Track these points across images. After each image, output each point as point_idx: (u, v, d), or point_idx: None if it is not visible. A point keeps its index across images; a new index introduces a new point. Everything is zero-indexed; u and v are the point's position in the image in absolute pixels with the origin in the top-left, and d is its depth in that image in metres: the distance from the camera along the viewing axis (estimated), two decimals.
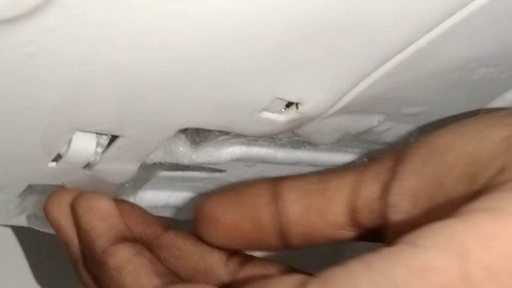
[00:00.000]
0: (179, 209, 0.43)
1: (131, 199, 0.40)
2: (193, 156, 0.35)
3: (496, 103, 0.34)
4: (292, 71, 0.27)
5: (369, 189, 0.28)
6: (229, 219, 0.32)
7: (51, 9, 0.21)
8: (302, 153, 0.38)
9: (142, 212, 0.36)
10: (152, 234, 0.34)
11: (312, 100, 0.29)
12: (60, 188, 0.33)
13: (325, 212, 0.29)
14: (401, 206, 0.27)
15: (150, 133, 0.30)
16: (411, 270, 0.20)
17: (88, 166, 0.32)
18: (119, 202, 0.35)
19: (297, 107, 0.30)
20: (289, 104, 0.30)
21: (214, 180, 0.39)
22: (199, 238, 0.34)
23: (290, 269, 0.32)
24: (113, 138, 0.31)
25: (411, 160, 0.27)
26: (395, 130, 0.35)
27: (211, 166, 0.37)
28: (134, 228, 0.34)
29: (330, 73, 0.28)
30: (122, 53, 0.24)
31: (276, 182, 0.32)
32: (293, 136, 0.34)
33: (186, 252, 0.33)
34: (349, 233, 0.29)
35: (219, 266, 0.32)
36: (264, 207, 0.31)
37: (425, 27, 0.26)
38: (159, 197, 0.41)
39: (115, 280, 0.29)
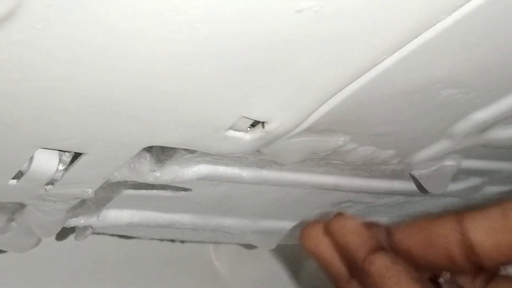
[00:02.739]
0: (142, 228, 0.42)
1: (94, 218, 0.39)
2: (158, 174, 0.34)
3: (462, 124, 0.34)
4: (258, 90, 0.27)
5: None
6: (420, 252, 0.35)
7: (13, 23, 0.21)
8: (268, 172, 0.38)
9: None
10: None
11: (278, 119, 0.29)
12: (309, 224, 0.38)
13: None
14: None
15: (114, 150, 0.30)
16: None
17: (50, 183, 0.32)
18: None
19: (263, 126, 0.30)
20: (255, 123, 0.30)
21: (179, 199, 0.39)
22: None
23: None
24: (76, 155, 0.30)
25: None
26: (360, 151, 0.35)
27: (176, 184, 0.37)
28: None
29: (296, 92, 0.28)
30: (85, 69, 0.23)
31: (459, 214, 0.34)
32: (259, 155, 0.34)
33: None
34: None
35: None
36: (453, 237, 0.33)
37: (390, 49, 0.26)
38: (123, 216, 0.40)
39: (378, 285, 0.33)
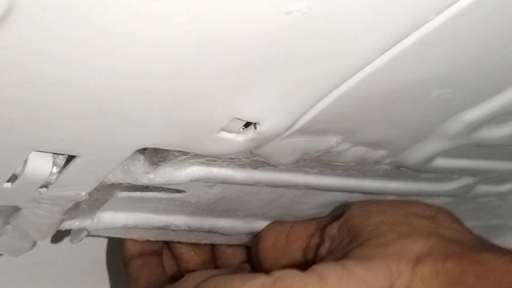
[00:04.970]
0: (137, 230, 0.42)
1: (88, 220, 0.39)
2: (152, 176, 0.34)
3: (453, 124, 0.34)
4: (250, 92, 0.27)
5: (315, 238, 0.41)
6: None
7: (6, 26, 0.21)
8: (261, 173, 0.38)
9: None
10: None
11: (270, 120, 0.29)
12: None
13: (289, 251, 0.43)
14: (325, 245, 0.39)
15: (108, 153, 0.30)
16: None
17: (44, 186, 0.32)
18: None
19: (255, 127, 0.30)
20: (247, 124, 0.30)
21: (174, 200, 0.39)
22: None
23: None
24: (70, 158, 0.30)
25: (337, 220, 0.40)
26: (352, 151, 0.35)
27: (170, 186, 0.37)
28: None
29: (288, 94, 0.28)
30: (76, 72, 0.24)
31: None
32: (252, 156, 0.34)
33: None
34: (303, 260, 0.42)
35: None
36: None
37: (380, 50, 0.26)
38: (118, 218, 0.40)
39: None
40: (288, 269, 0.34)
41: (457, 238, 0.35)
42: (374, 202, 0.39)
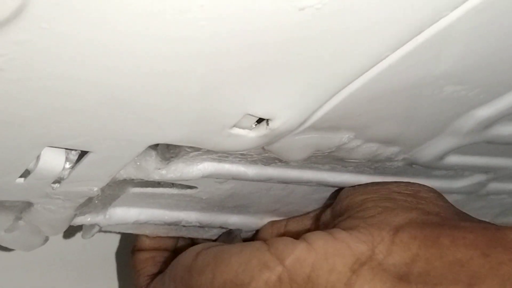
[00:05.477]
0: (148, 226, 0.43)
1: (100, 216, 0.40)
2: (164, 172, 0.34)
3: (466, 120, 0.34)
4: (262, 87, 0.27)
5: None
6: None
7: (19, 22, 0.21)
8: (273, 170, 0.38)
9: None
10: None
11: (282, 116, 0.29)
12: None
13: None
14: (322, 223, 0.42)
15: (120, 149, 0.30)
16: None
17: (56, 181, 0.32)
18: None
19: (267, 124, 0.30)
20: (259, 121, 0.30)
21: (185, 196, 0.39)
22: None
23: None
24: (83, 154, 0.31)
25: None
26: (364, 148, 0.35)
27: (182, 182, 0.37)
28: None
29: (300, 90, 0.28)
30: (91, 68, 0.24)
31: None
32: (263, 153, 0.34)
33: None
34: None
35: None
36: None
37: (393, 46, 0.26)
38: (129, 214, 0.41)
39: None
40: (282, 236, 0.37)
41: (437, 212, 0.37)
42: (361, 185, 0.41)
